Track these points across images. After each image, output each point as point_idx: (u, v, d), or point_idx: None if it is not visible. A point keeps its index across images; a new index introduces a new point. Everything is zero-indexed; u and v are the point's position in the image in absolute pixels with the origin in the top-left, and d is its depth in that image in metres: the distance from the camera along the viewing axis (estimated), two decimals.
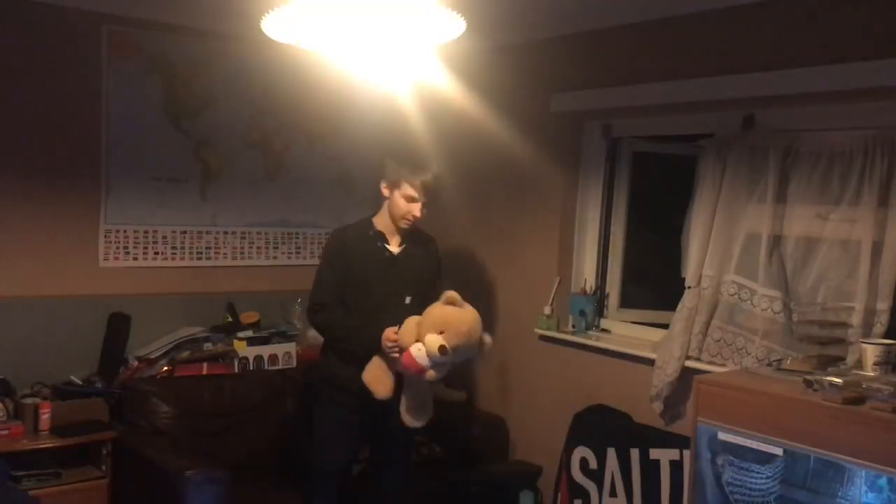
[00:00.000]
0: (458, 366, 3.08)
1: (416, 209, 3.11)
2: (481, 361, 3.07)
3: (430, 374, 2.92)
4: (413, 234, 3.25)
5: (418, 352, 2.91)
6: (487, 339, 3.05)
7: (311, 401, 3.34)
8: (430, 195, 3.13)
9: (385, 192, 3.17)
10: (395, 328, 3.00)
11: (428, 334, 2.91)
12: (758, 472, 2.63)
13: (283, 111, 4.47)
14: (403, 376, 3.05)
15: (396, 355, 2.98)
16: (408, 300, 3.17)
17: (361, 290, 3.14)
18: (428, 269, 3.29)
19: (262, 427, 3.90)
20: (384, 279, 3.15)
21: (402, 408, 3.08)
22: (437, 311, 2.96)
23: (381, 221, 3.21)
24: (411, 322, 2.97)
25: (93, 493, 3.53)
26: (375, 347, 3.03)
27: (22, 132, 3.77)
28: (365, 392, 3.08)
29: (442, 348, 2.87)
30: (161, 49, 4.08)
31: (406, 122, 4.44)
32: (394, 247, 3.20)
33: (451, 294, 2.98)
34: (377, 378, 3.05)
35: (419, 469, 3.88)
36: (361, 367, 3.09)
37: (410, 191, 3.09)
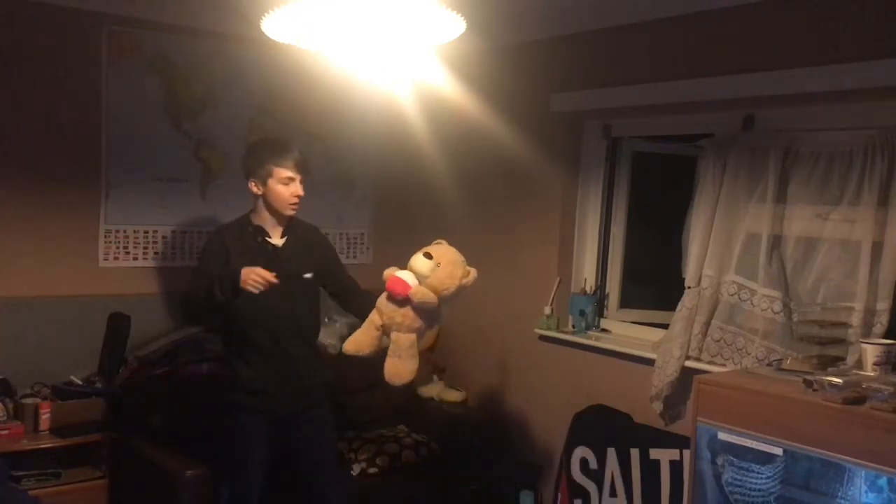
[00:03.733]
0: (450, 303, 2.97)
1: (297, 189, 3.11)
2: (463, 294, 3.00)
3: (415, 289, 2.85)
4: (293, 226, 3.22)
5: (402, 272, 2.89)
6: (472, 270, 2.99)
7: (226, 408, 3.20)
8: (304, 171, 3.14)
9: (256, 189, 3.13)
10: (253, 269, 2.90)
11: (413, 256, 2.91)
12: (758, 472, 2.63)
13: (283, 111, 4.46)
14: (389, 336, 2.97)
15: (261, 284, 2.87)
16: (308, 275, 3.17)
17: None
18: (319, 254, 3.26)
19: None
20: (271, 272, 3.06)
21: (385, 365, 2.96)
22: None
23: (259, 218, 3.17)
24: (391, 267, 2.98)
25: (93, 493, 3.53)
26: (234, 280, 2.88)
27: (22, 132, 3.77)
28: (274, 394, 3.10)
29: (427, 254, 2.86)
30: (161, 49, 4.09)
31: (406, 122, 4.44)
32: (276, 239, 3.16)
33: (440, 240, 3.03)
34: (354, 339, 2.99)
35: (419, 469, 3.88)
36: (268, 367, 3.10)
37: (286, 173, 3.08)
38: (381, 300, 2.98)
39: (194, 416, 3.78)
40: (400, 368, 2.94)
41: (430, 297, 2.88)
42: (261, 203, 3.16)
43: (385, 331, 2.97)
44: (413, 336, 2.94)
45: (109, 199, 4.01)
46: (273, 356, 3.12)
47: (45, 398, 3.61)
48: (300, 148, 3.21)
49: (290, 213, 3.14)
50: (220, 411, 3.20)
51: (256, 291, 2.87)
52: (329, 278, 3.29)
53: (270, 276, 2.88)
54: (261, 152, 3.15)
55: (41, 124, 3.81)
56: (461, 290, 2.96)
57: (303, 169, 3.13)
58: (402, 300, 2.90)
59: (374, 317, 2.99)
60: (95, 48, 3.92)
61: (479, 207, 4.42)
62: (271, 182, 3.10)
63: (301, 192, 3.12)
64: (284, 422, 3.17)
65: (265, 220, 3.17)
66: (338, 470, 3.42)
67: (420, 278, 2.89)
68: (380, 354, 3.00)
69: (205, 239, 4.25)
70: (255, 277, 2.87)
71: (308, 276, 3.18)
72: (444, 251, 2.96)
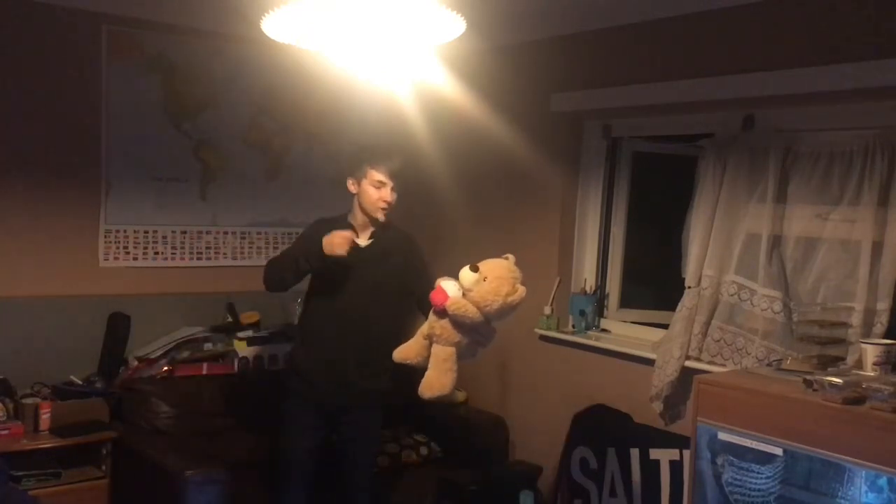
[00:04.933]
0: (496, 320, 2.84)
1: (386, 194, 3.14)
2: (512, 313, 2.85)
3: (451, 300, 2.72)
4: (387, 231, 3.24)
5: (447, 282, 2.77)
6: (521, 288, 2.82)
7: (281, 394, 3.33)
8: (398, 180, 3.16)
9: (353, 188, 3.19)
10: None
11: (462, 269, 2.78)
12: (758, 472, 2.63)
13: (283, 111, 4.47)
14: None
15: (343, 247, 2.95)
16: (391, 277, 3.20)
17: (327, 279, 3.15)
18: (404, 260, 3.26)
19: (261, 427, 3.90)
20: (350, 271, 3.14)
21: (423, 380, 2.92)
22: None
23: (353, 217, 3.24)
24: (444, 277, 2.88)
25: (93, 493, 3.53)
26: (318, 247, 2.99)
27: (22, 132, 3.77)
28: (325, 386, 3.14)
29: (473, 266, 2.72)
30: (161, 49, 4.09)
31: (406, 122, 4.44)
32: (362, 240, 3.19)
33: (508, 255, 2.88)
34: (404, 348, 2.92)
35: (419, 469, 3.89)
36: (325, 358, 3.13)
37: (377, 175, 3.13)
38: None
39: (194, 415, 3.79)
40: (433, 381, 2.83)
41: (469, 311, 2.74)
42: (355, 203, 3.22)
43: (430, 340, 2.87)
44: (450, 350, 2.81)
45: (109, 199, 4.01)
46: (330, 351, 3.17)
47: (45, 398, 3.61)
48: (401, 157, 3.23)
49: (378, 216, 3.17)
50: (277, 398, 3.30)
51: (344, 252, 2.96)
52: (413, 286, 3.22)
53: (348, 234, 2.98)
54: (361, 153, 3.25)
55: (41, 124, 3.81)
56: (507, 309, 2.79)
57: (396, 178, 3.15)
58: (440, 311, 2.78)
59: (423, 326, 2.91)
60: (95, 48, 3.92)
61: (479, 207, 4.42)
62: (364, 183, 3.15)
63: (389, 198, 3.15)
64: (330, 416, 3.23)
65: (358, 220, 3.22)
66: (372, 475, 3.41)
67: (464, 291, 2.76)
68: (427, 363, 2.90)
69: (204, 239, 4.30)
70: (338, 240, 2.96)
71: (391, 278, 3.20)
72: (494, 266, 2.80)
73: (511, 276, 2.80)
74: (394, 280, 3.22)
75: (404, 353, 2.94)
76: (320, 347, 3.20)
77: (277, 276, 3.19)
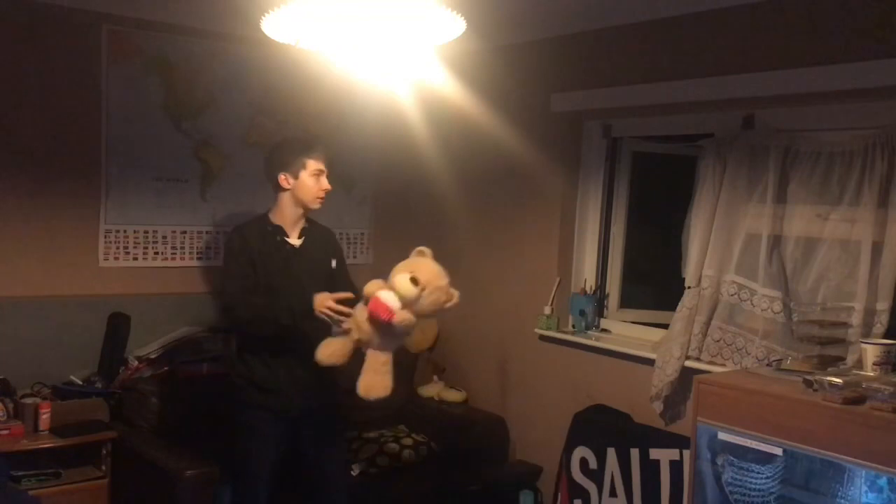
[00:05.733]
0: (424, 315, 2.87)
1: (325, 182, 3.14)
2: (445, 313, 2.92)
3: (399, 315, 2.74)
4: (311, 227, 3.24)
5: (386, 293, 2.77)
6: (455, 294, 2.87)
7: (236, 406, 3.19)
8: (329, 166, 3.18)
9: (286, 183, 3.12)
10: (329, 295, 2.97)
11: (397, 276, 2.79)
12: (758, 472, 2.63)
13: (283, 111, 4.47)
14: (364, 349, 2.92)
15: (338, 317, 2.91)
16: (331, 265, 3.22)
17: (265, 284, 3.09)
18: (331, 257, 3.28)
19: None
20: (287, 273, 3.11)
21: (360, 379, 2.91)
22: (404, 262, 2.86)
23: (278, 216, 3.17)
24: (374, 281, 2.86)
25: (93, 493, 3.53)
26: (307, 313, 2.96)
27: (22, 132, 3.77)
28: (287, 393, 3.10)
29: (413, 279, 2.74)
30: (161, 49, 4.09)
31: (406, 123, 4.44)
32: (294, 239, 3.17)
33: (423, 248, 2.90)
34: (330, 349, 2.92)
35: (419, 469, 3.89)
36: (282, 366, 3.09)
37: (317, 165, 3.12)
38: (360, 315, 2.87)
39: (194, 415, 3.78)
40: (374, 384, 2.86)
41: (412, 322, 2.79)
42: (284, 200, 3.15)
43: (360, 345, 2.89)
44: (389, 355, 2.88)
45: (109, 199, 4.02)
46: (290, 355, 3.11)
47: (45, 398, 3.61)
48: (325, 142, 3.26)
49: (316, 206, 3.16)
50: (229, 410, 3.19)
51: (330, 322, 2.94)
52: (339, 280, 3.25)
53: (345, 310, 2.93)
54: (293, 146, 3.20)
55: (41, 124, 3.81)
56: (440, 313, 2.89)
57: (329, 164, 3.18)
58: (384, 324, 2.79)
59: (352, 329, 2.92)
60: (95, 48, 3.92)
61: (479, 207, 4.42)
62: (303, 175, 3.12)
63: (329, 187, 3.16)
64: (294, 421, 3.16)
65: (285, 218, 3.16)
66: (345, 473, 3.41)
67: (403, 301, 2.77)
68: (351, 363, 2.92)
69: (204, 239, 4.30)
70: (332, 305, 2.93)
71: (331, 265, 3.22)
72: (428, 274, 2.80)
73: (445, 283, 2.85)
74: (325, 274, 3.21)
75: (333, 356, 2.91)
76: (280, 356, 3.10)
77: (251, 326, 3.09)
